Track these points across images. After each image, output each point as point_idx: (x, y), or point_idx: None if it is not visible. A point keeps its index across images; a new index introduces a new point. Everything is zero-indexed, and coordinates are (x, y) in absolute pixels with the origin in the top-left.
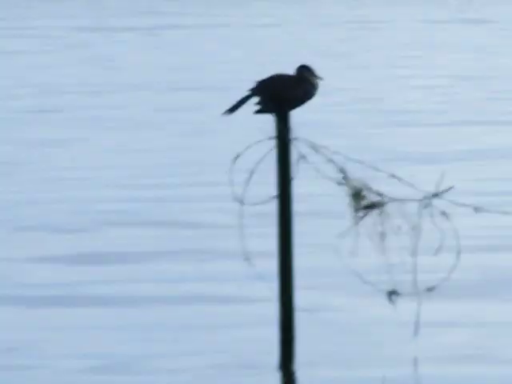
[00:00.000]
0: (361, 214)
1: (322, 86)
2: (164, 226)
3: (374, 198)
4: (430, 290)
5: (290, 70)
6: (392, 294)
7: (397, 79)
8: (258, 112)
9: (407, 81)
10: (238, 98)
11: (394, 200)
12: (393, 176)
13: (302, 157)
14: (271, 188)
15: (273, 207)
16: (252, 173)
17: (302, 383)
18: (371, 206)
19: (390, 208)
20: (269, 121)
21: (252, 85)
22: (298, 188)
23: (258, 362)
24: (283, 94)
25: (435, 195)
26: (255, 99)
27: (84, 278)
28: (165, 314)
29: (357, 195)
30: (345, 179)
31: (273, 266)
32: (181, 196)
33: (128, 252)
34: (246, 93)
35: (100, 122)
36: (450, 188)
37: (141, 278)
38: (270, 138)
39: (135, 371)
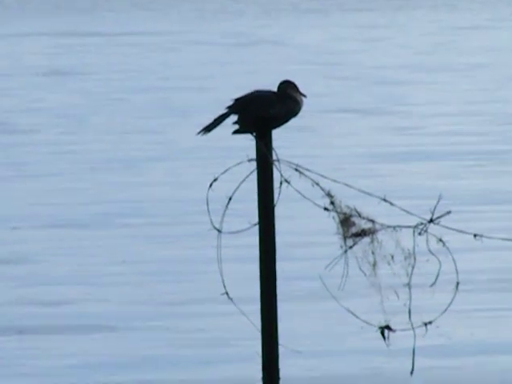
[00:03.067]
0: (350, 242)
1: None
2: None
3: (364, 225)
4: (426, 324)
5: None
6: (385, 328)
7: None
8: (236, 132)
9: None
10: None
11: (386, 227)
12: (385, 200)
13: (285, 180)
14: (252, 215)
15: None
16: (230, 198)
17: None
18: (361, 234)
19: (381, 235)
20: (249, 141)
21: (229, 102)
22: (281, 213)
23: None
24: (263, 112)
25: (431, 221)
26: (233, 118)
27: None
28: None
29: (345, 221)
30: (332, 204)
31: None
32: None
33: None
34: (223, 111)
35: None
36: (448, 213)
37: None
38: (249, 160)
39: None
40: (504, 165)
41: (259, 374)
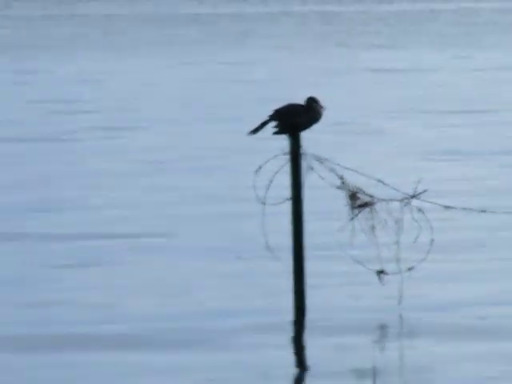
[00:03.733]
0: (356, 211)
1: None
2: None
3: (365, 199)
4: (409, 269)
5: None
6: (380, 272)
7: None
8: (276, 133)
9: None
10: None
11: (381, 200)
12: (380, 181)
13: (310, 167)
14: (287, 192)
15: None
16: (271, 181)
17: None
18: (364, 205)
19: (378, 206)
20: (284, 140)
21: (270, 112)
22: (306, 192)
23: None
24: (295, 120)
25: (413, 196)
26: (273, 123)
27: None
28: None
29: (352, 196)
30: (343, 184)
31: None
32: None
33: None
34: (265, 118)
35: None
36: (425, 191)
37: None
38: (284, 154)
39: None
40: None
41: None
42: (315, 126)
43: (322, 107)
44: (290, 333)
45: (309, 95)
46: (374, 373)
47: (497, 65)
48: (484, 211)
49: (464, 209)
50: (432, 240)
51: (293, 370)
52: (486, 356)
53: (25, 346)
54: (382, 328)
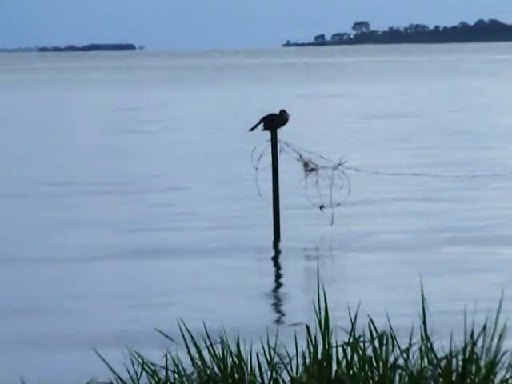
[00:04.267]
0: (308, 173)
1: None
2: None
3: (312, 166)
4: (338, 205)
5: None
6: (322, 207)
7: None
8: (263, 130)
9: None
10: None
11: (321, 167)
12: (321, 157)
13: (282, 148)
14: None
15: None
16: (261, 155)
17: None
18: (311, 169)
19: (320, 171)
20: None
21: (260, 118)
22: (280, 163)
23: None
24: (273, 122)
25: (339, 164)
26: (261, 124)
27: None
28: None
29: (305, 165)
30: (300, 157)
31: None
32: None
33: None
34: (255, 121)
35: None
36: (345, 161)
37: None
38: (267, 141)
39: None
40: None
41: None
42: (288, 124)
43: (288, 115)
44: (269, 254)
45: (281, 108)
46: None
47: None
48: (382, 173)
49: (375, 172)
50: (349, 190)
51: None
52: (397, 264)
53: None
54: (322, 240)
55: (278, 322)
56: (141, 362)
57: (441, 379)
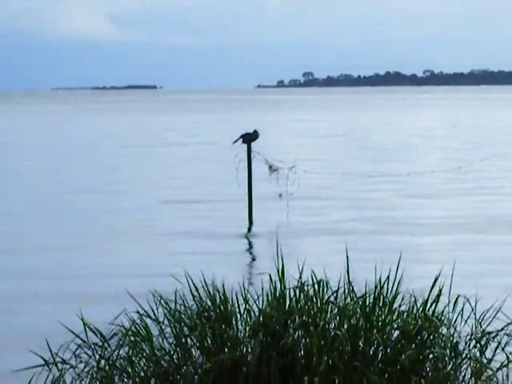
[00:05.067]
0: (271, 172)
1: None
2: None
3: (274, 168)
4: (291, 194)
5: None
6: (280, 195)
7: None
8: (243, 143)
9: None
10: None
11: (281, 168)
12: (280, 161)
13: (254, 155)
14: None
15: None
16: (240, 160)
17: None
18: (274, 170)
19: (280, 171)
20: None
21: (240, 134)
22: (253, 165)
23: None
24: (248, 137)
25: (292, 167)
26: (241, 139)
27: None
28: None
29: (270, 167)
30: (267, 162)
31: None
32: None
33: None
34: (237, 137)
35: None
36: (296, 165)
37: None
38: (244, 151)
39: None
40: None
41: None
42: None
43: (258, 133)
44: (244, 229)
45: (254, 129)
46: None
47: None
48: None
49: (317, 172)
50: (299, 184)
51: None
52: (333, 240)
53: None
54: (279, 218)
55: (250, 273)
56: (158, 298)
57: (358, 310)
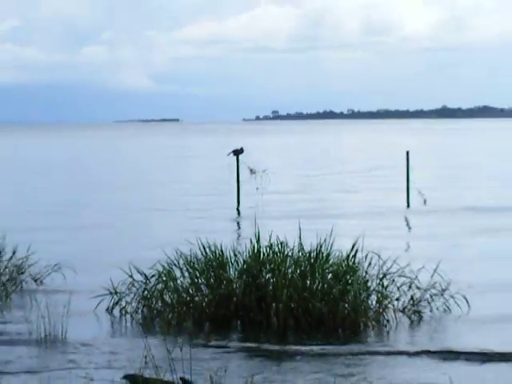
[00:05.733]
0: (251, 174)
1: None
2: None
3: (254, 171)
4: (264, 188)
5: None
6: (257, 188)
7: None
8: (234, 155)
9: None
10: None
11: (257, 171)
12: (253, 167)
13: (241, 163)
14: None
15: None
16: (229, 165)
17: None
18: (253, 172)
19: (257, 173)
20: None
21: (232, 150)
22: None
23: None
24: (237, 151)
25: (264, 170)
26: (232, 153)
27: None
28: None
29: (250, 170)
30: (248, 167)
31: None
32: None
33: None
34: (230, 151)
35: None
36: (267, 169)
37: None
38: (235, 160)
39: None
40: None
41: None
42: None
43: (243, 149)
44: (233, 212)
45: (241, 146)
46: None
47: None
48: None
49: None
50: (269, 181)
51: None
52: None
53: None
54: (257, 205)
55: (238, 239)
56: (179, 254)
57: (306, 262)
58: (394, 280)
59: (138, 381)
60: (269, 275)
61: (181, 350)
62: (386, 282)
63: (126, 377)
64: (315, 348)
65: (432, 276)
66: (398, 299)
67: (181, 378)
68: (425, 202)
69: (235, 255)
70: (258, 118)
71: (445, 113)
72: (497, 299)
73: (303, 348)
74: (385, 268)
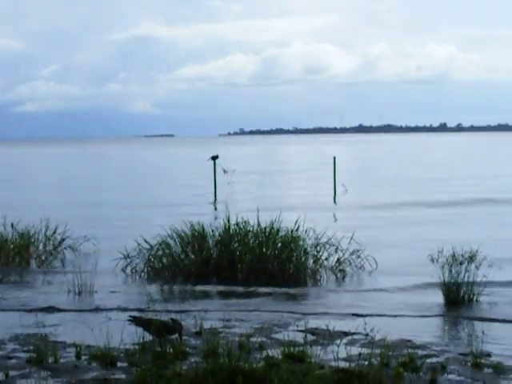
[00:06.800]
0: (224, 172)
1: None
2: None
3: (226, 170)
4: (234, 182)
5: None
6: (229, 183)
7: None
8: (212, 160)
9: None
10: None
11: (228, 170)
12: (226, 168)
13: (217, 165)
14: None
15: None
16: (210, 168)
17: None
18: (225, 172)
19: (228, 172)
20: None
21: (210, 156)
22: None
23: None
24: (215, 157)
25: (234, 170)
26: (210, 158)
27: None
28: None
29: (224, 170)
30: (223, 168)
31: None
32: None
33: None
34: (209, 157)
35: None
36: (236, 169)
37: None
38: (212, 163)
39: None
40: None
41: None
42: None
43: (218, 156)
44: (211, 199)
45: (216, 153)
46: None
47: None
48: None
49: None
50: (234, 176)
51: None
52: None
53: None
54: (229, 194)
55: (215, 219)
56: (174, 229)
57: (262, 234)
58: (325, 247)
59: (141, 320)
60: (236, 245)
61: (174, 297)
62: (319, 249)
63: (132, 317)
64: (268, 289)
65: (349, 242)
66: (327, 259)
67: (171, 319)
68: (346, 191)
69: (212, 230)
70: (229, 134)
71: (361, 129)
72: (396, 256)
73: (259, 289)
74: (319, 238)
